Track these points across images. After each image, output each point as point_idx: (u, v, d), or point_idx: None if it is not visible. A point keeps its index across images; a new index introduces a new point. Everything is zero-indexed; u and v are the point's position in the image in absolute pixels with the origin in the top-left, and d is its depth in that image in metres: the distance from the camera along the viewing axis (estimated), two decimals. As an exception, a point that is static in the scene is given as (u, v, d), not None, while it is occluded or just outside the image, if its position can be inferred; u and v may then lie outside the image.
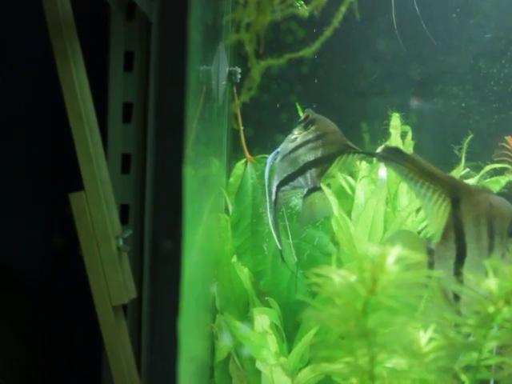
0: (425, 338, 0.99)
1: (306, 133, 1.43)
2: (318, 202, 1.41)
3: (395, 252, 0.88)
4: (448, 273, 1.17)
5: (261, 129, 1.76)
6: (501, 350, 1.03)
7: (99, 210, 1.55)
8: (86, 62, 1.57)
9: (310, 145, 1.42)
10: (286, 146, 1.46)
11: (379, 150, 1.20)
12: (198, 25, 1.12)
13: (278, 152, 1.48)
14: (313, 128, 1.42)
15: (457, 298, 1.14)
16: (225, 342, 1.42)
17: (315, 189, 1.41)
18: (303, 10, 1.00)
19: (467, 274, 0.94)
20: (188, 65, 0.96)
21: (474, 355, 0.97)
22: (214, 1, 1.27)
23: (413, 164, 1.18)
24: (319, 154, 1.41)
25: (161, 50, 0.99)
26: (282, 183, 1.44)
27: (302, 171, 1.43)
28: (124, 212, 1.78)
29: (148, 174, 1.76)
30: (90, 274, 1.55)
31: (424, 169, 1.19)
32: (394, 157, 1.19)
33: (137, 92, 1.79)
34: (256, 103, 1.74)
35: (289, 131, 1.45)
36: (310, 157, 1.42)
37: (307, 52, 0.96)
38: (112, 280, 1.55)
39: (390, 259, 0.88)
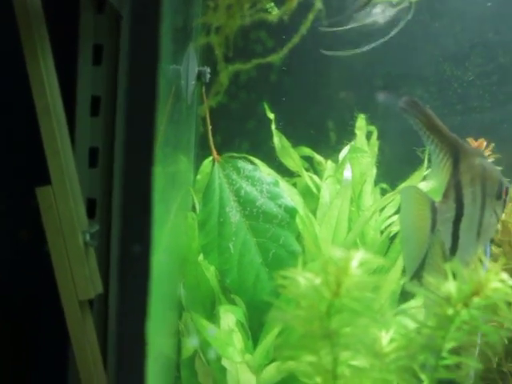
0: (386, 338, 1.02)
1: None
2: None
3: (359, 255, 0.90)
4: (447, 231, 1.25)
5: (228, 136, 1.78)
6: (459, 351, 1.07)
7: (66, 204, 1.55)
8: (55, 54, 1.56)
9: None
10: None
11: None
12: (169, 25, 1.13)
13: None
14: None
15: (453, 255, 1.22)
16: (192, 343, 1.43)
17: None
18: (272, 16, 1.01)
19: (428, 277, 0.97)
20: (159, 64, 0.97)
21: (433, 355, 1.00)
22: (185, 2, 1.28)
23: (426, 118, 1.26)
24: None
25: (132, 48, 1.00)
26: None
27: None
28: (91, 206, 1.78)
29: (115, 169, 1.76)
30: (56, 268, 1.55)
31: (435, 125, 1.26)
32: (411, 109, 1.26)
33: (105, 86, 1.79)
34: (224, 110, 1.76)
35: (256, 138, 1.47)
36: None
37: (274, 58, 0.98)
38: (78, 275, 1.55)
39: (354, 262, 0.90)
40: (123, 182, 0.89)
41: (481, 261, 0.98)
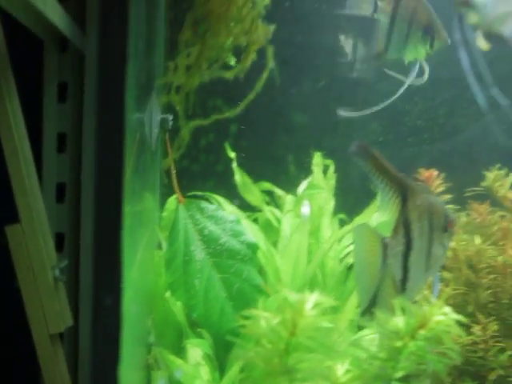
0: (341, 369, 1.09)
1: None
2: None
3: (313, 298, 0.98)
4: (397, 264, 1.33)
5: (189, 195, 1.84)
6: (408, 379, 1.14)
7: (35, 241, 1.59)
8: (20, 93, 1.60)
9: None
10: None
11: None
12: (133, 75, 1.19)
13: None
14: None
15: (403, 288, 1.30)
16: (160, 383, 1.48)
17: None
18: (229, 73, 1.08)
19: (378, 312, 1.05)
20: (126, 102, 1.03)
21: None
22: (147, 51, 1.34)
23: (375, 161, 1.34)
24: None
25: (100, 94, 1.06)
26: None
27: None
28: (59, 240, 1.82)
29: (83, 203, 1.80)
30: (27, 304, 1.58)
31: (384, 167, 1.34)
32: (361, 152, 1.34)
33: (70, 122, 1.83)
34: (186, 172, 1.82)
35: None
36: None
37: (232, 113, 1.05)
38: (49, 310, 1.59)
39: (308, 304, 0.98)
40: (95, 242, 0.95)
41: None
